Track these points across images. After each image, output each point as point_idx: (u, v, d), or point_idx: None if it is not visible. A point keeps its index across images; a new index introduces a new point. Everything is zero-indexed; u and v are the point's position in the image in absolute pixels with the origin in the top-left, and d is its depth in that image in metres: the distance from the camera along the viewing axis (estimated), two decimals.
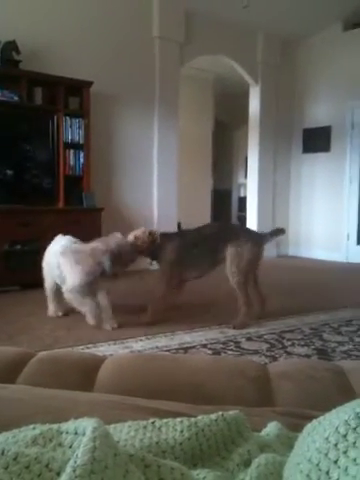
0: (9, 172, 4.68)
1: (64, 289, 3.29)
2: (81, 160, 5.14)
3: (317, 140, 7.29)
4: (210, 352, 2.88)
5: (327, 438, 0.49)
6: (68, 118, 5.01)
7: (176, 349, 2.93)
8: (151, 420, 0.66)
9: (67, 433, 0.58)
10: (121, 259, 3.32)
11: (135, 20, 5.79)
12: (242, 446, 0.64)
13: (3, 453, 0.50)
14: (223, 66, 7.26)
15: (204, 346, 2.99)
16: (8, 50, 4.69)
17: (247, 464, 0.61)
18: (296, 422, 0.74)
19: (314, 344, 3.04)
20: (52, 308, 3.63)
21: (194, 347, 2.97)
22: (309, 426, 0.56)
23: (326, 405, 0.65)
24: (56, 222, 4.61)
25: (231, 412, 0.68)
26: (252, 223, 7.24)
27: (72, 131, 5.05)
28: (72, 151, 5.09)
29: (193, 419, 0.66)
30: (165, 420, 0.67)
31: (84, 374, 1.03)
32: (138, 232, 3.50)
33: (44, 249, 3.59)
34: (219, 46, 6.51)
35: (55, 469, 0.50)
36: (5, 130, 4.69)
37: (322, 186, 7.33)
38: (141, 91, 5.91)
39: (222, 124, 10.10)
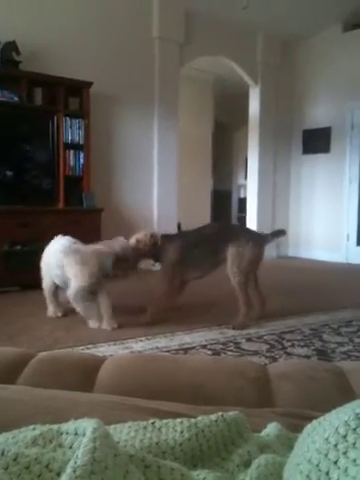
0: (9, 173, 4.68)
1: (68, 293, 3.29)
2: (81, 160, 5.14)
3: (317, 141, 7.29)
4: (210, 353, 2.88)
5: (327, 439, 0.49)
6: (68, 118, 5.01)
7: (176, 350, 2.93)
8: (151, 421, 0.66)
9: (67, 434, 0.58)
10: (125, 262, 3.34)
11: (135, 21, 5.80)
12: (242, 447, 0.64)
13: (3, 454, 0.50)
14: (223, 67, 7.27)
15: (204, 347, 2.99)
16: (8, 50, 4.69)
17: (247, 465, 0.61)
18: (296, 423, 0.74)
19: (314, 345, 3.04)
20: (51, 309, 3.63)
21: (194, 348, 2.97)
22: (309, 427, 0.56)
23: (326, 406, 0.65)
24: (56, 222, 4.61)
25: (231, 413, 0.68)
26: (252, 224, 7.24)
27: (72, 131, 5.05)
28: (72, 151, 5.09)
29: (193, 420, 0.67)
30: (165, 421, 0.67)
31: (84, 375, 1.03)
32: (140, 235, 3.52)
33: (44, 250, 3.59)
34: (219, 47, 6.51)
35: (55, 469, 0.50)
36: (5, 131, 4.69)
37: (322, 187, 7.33)
38: (141, 92, 5.91)
39: (222, 125, 10.10)
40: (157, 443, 0.62)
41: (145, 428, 0.65)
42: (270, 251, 6.40)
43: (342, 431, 0.49)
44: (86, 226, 4.82)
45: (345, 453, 0.47)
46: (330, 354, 2.87)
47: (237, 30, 6.60)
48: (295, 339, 3.16)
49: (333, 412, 0.55)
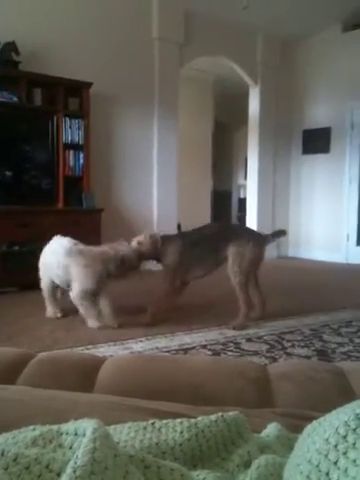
0: (9, 173, 4.68)
1: (71, 294, 3.30)
2: (81, 161, 5.14)
3: (317, 141, 7.29)
4: (210, 353, 2.88)
5: (327, 439, 0.49)
6: (68, 119, 5.01)
7: (176, 350, 2.93)
8: (151, 421, 0.66)
9: (67, 434, 0.58)
10: (128, 266, 3.36)
11: (134, 21, 5.80)
12: (242, 447, 0.64)
13: (3, 454, 0.50)
14: (223, 67, 7.27)
15: (204, 347, 2.99)
16: (7, 51, 4.69)
17: (247, 465, 0.61)
18: (296, 423, 0.74)
19: (314, 345, 3.04)
20: (51, 309, 3.62)
21: (194, 348, 2.97)
22: (309, 427, 0.56)
23: (326, 406, 0.65)
24: (55, 223, 4.61)
25: (231, 413, 0.68)
26: (252, 224, 7.24)
27: (72, 132, 5.05)
28: (72, 152, 5.09)
29: (193, 420, 0.66)
30: (165, 421, 0.67)
31: (84, 375, 1.03)
32: (140, 237, 3.55)
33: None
34: (219, 47, 6.51)
35: (55, 470, 0.50)
36: (5, 131, 4.69)
37: (322, 187, 7.33)
38: (141, 92, 5.91)
39: (222, 125, 10.11)
40: (157, 443, 0.62)
41: (145, 428, 0.65)
42: (270, 251, 6.39)
43: (342, 431, 0.49)
44: (86, 226, 4.82)
45: (345, 453, 0.47)
46: (330, 354, 2.87)
47: (237, 30, 6.61)
48: (295, 339, 3.16)
49: (333, 412, 0.55)
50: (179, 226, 6.53)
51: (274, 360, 2.74)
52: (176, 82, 6.19)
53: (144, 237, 3.54)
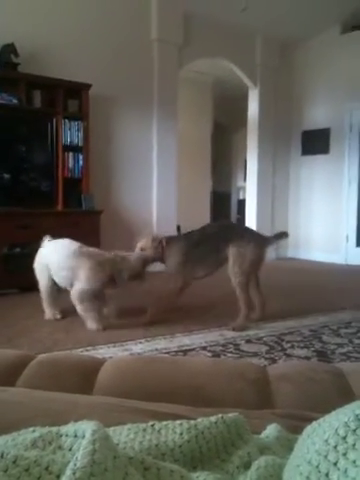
0: (8, 175, 4.68)
1: (73, 292, 3.30)
2: (80, 162, 5.14)
3: (316, 142, 7.30)
4: (209, 354, 2.88)
5: (327, 440, 0.49)
6: (67, 121, 5.01)
7: (175, 351, 2.92)
8: (150, 423, 0.66)
9: (67, 436, 0.58)
10: (136, 275, 3.38)
11: (134, 23, 5.80)
12: (242, 448, 0.64)
13: (2, 456, 0.50)
14: (222, 69, 7.28)
15: (203, 348, 2.99)
16: (7, 53, 4.69)
17: (247, 466, 0.61)
18: (296, 424, 0.74)
19: (313, 346, 3.04)
20: (49, 311, 3.61)
21: (193, 349, 2.97)
22: (309, 428, 0.56)
23: (326, 407, 0.65)
24: (55, 224, 4.61)
25: (231, 414, 0.68)
26: (251, 226, 7.23)
27: (71, 133, 5.05)
28: (71, 153, 5.09)
29: (193, 422, 0.66)
30: (165, 423, 0.66)
31: (83, 377, 1.03)
32: (142, 243, 3.55)
33: None
34: (218, 49, 6.52)
35: (55, 472, 0.50)
36: (4, 133, 4.69)
37: (321, 188, 7.34)
38: (140, 93, 5.91)
39: (221, 126, 10.11)
40: (156, 445, 0.62)
41: (144, 430, 0.65)
42: (269, 252, 6.38)
43: (342, 432, 0.49)
44: (85, 228, 4.82)
45: (345, 454, 0.47)
46: (330, 355, 2.87)
47: (236, 32, 6.61)
48: (295, 340, 3.16)
49: (333, 413, 0.55)
50: (178, 227, 6.53)
51: (274, 361, 2.74)
52: (175, 83, 6.19)
53: (146, 241, 3.54)
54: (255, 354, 2.88)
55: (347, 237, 7.06)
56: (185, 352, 2.92)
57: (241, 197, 10.96)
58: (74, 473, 0.47)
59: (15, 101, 4.66)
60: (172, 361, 1.24)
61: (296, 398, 0.97)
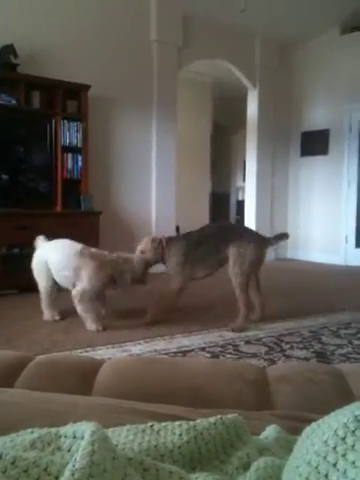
0: (7, 176, 4.67)
1: (74, 292, 3.30)
2: (79, 163, 5.14)
3: (315, 143, 7.31)
4: (209, 355, 2.88)
5: (326, 441, 0.49)
6: (66, 122, 5.01)
7: (175, 352, 2.92)
8: (150, 424, 0.66)
9: (65, 437, 0.58)
10: (138, 277, 3.38)
11: (133, 24, 5.80)
12: (241, 449, 0.64)
13: (1, 457, 0.50)
14: (221, 70, 7.28)
15: (203, 349, 2.99)
16: (6, 54, 4.69)
17: (246, 467, 0.60)
18: (295, 425, 0.74)
19: (313, 347, 3.04)
20: (48, 312, 3.60)
21: (193, 350, 2.97)
22: (308, 429, 0.56)
23: (325, 408, 0.65)
24: (54, 225, 4.61)
25: (230, 415, 0.68)
26: (250, 227, 7.23)
27: (70, 134, 5.05)
28: (70, 154, 5.09)
29: (192, 423, 0.66)
30: (164, 424, 0.66)
31: (82, 378, 1.03)
32: (142, 246, 3.54)
33: None
34: (217, 50, 6.53)
35: (54, 473, 0.50)
36: (3, 134, 4.69)
37: (320, 189, 7.34)
38: (139, 94, 5.92)
39: (220, 127, 10.12)
40: (156, 446, 0.62)
41: (144, 431, 0.65)
42: (269, 253, 6.37)
43: (341, 433, 0.49)
44: (84, 229, 4.82)
45: (344, 455, 0.47)
46: (329, 356, 2.87)
47: (235, 33, 6.62)
48: (294, 341, 3.16)
49: (332, 414, 0.55)
50: (177, 228, 6.53)
51: (273, 362, 2.74)
52: (175, 84, 6.19)
53: (145, 244, 3.53)
54: (254, 355, 2.88)
55: (346, 238, 7.06)
56: (184, 353, 2.92)
57: (240, 198, 10.96)
58: (73, 474, 0.47)
59: (14, 102, 4.66)
60: (171, 362, 1.24)
61: (295, 399, 0.96)
